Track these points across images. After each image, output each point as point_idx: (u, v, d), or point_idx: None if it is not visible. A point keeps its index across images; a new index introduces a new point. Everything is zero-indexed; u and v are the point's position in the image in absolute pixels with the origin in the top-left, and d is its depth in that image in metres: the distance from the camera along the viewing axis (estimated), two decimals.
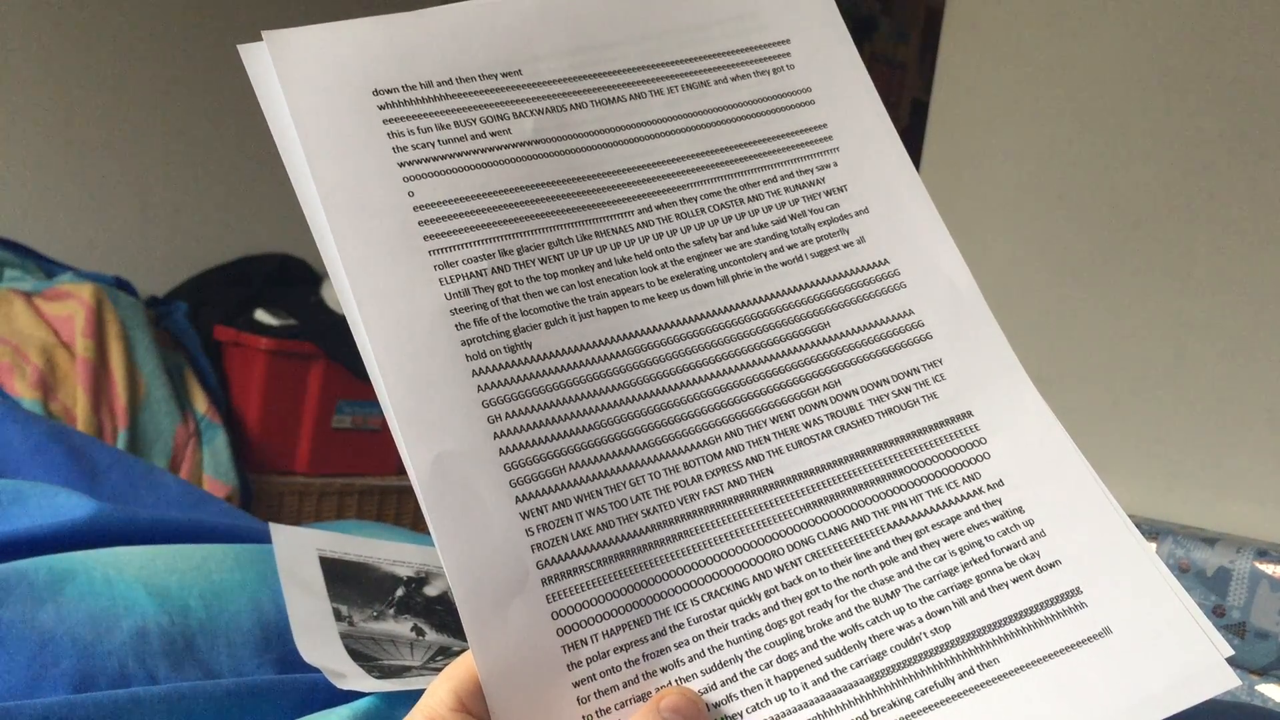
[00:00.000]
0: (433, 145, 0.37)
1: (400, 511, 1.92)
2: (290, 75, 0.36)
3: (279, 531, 0.72)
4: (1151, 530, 1.09)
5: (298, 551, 0.69)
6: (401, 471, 1.87)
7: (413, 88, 0.37)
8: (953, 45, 1.40)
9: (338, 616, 0.64)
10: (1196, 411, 1.19)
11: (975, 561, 0.37)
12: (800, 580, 0.36)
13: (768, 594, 0.36)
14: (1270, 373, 1.14)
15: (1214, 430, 1.18)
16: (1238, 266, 1.17)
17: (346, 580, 0.68)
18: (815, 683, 0.35)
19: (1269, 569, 1.01)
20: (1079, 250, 1.28)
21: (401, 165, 0.36)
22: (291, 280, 1.99)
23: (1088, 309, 1.27)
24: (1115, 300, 1.25)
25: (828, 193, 0.41)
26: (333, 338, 1.81)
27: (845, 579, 0.36)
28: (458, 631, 0.67)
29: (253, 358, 1.80)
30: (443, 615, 0.68)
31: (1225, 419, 1.17)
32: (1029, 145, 1.33)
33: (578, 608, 0.34)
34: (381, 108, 0.36)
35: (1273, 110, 1.15)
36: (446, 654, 0.64)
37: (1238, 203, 1.17)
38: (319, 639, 0.60)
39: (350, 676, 0.56)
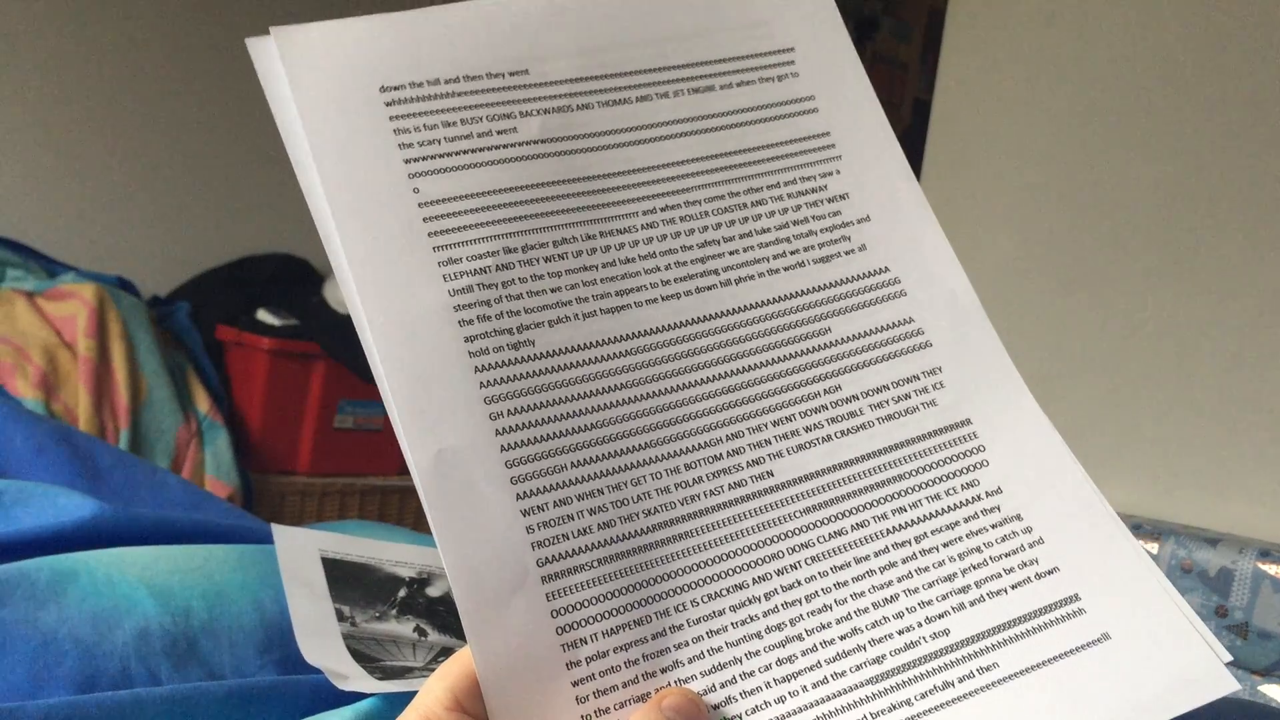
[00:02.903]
0: (439, 143, 0.37)
1: (402, 511, 1.92)
2: (298, 71, 0.36)
3: (281, 532, 0.72)
4: (1154, 531, 1.09)
5: (300, 552, 0.69)
6: (403, 471, 1.87)
7: (420, 85, 0.37)
8: (955, 45, 1.40)
9: (340, 617, 0.64)
10: (1199, 412, 1.19)
11: (974, 567, 0.37)
12: (800, 583, 0.36)
13: (767, 596, 0.36)
14: (1272, 373, 1.14)
15: (1216, 431, 1.18)
16: (1240, 267, 1.17)
17: (349, 581, 0.68)
18: (815, 685, 0.35)
19: (1272, 569, 1.01)
20: (1080, 249, 1.28)
21: (407, 162, 0.36)
22: (293, 280, 2.00)
23: (1090, 308, 1.27)
24: (1117, 300, 1.25)
25: (830, 200, 0.41)
26: (334, 337, 1.81)
27: (845, 583, 0.36)
28: (460, 632, 0.67)
29: (254, 357, 1.81)
30: (445, 616, 0.68)
31: (1227, 419, 1.17)
32: (1031, 145, 1.33)
33: (577, 606, 0.34)
34: (388, 104, 0.36)
35: (1273, 110, 1.15)
36: (449, 655, 0.64)
37: (1238, 203, 1.17)
38: (321, 640, 0.60)
39: (352, 677, 0.56)
